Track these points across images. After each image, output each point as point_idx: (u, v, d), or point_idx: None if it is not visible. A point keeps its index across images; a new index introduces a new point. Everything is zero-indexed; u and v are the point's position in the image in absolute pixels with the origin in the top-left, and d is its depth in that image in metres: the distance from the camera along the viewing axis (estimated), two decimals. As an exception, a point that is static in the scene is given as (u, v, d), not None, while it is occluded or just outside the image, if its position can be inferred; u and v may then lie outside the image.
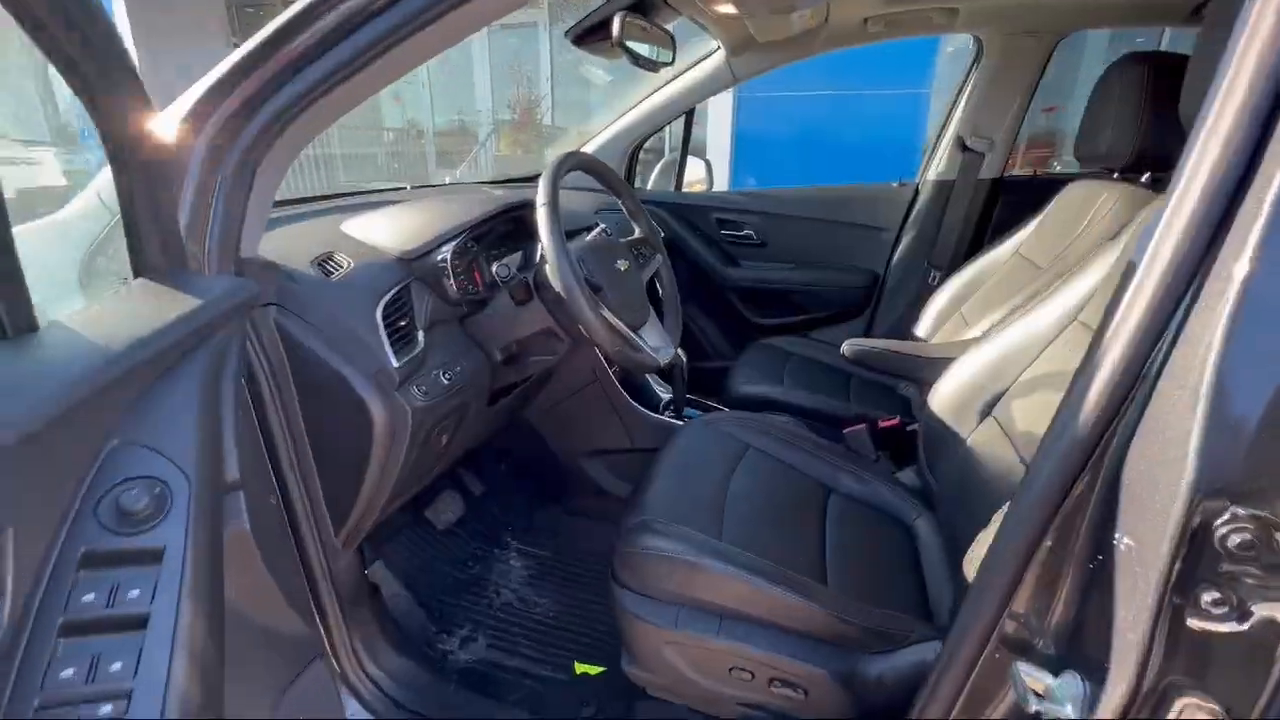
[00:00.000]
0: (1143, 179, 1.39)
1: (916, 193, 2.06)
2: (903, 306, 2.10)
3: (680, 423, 1.54)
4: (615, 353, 0.97)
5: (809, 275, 2.18)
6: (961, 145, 1.89)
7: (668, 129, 2.22)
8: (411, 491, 1.15)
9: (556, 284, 0.94)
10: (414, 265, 1.03)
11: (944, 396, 1.20)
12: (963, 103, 1.90)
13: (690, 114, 2.12)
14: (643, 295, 1.14)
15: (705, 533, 0.98)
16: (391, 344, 0.93)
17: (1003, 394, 1.10)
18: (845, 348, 1.41)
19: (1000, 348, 1.14)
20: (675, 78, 1.98)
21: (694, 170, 2.38)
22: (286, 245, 0.98)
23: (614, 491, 1.60)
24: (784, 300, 2.23)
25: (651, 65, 1.37)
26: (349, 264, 0.97)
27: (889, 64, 6.72)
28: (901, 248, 2.07)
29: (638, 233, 1.25)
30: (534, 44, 8.65)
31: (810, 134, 7.18)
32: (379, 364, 0.90)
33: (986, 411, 1.12)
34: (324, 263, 0.95)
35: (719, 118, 7.53)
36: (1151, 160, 1.33)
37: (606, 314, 1.01)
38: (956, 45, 7.06)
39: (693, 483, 1.10)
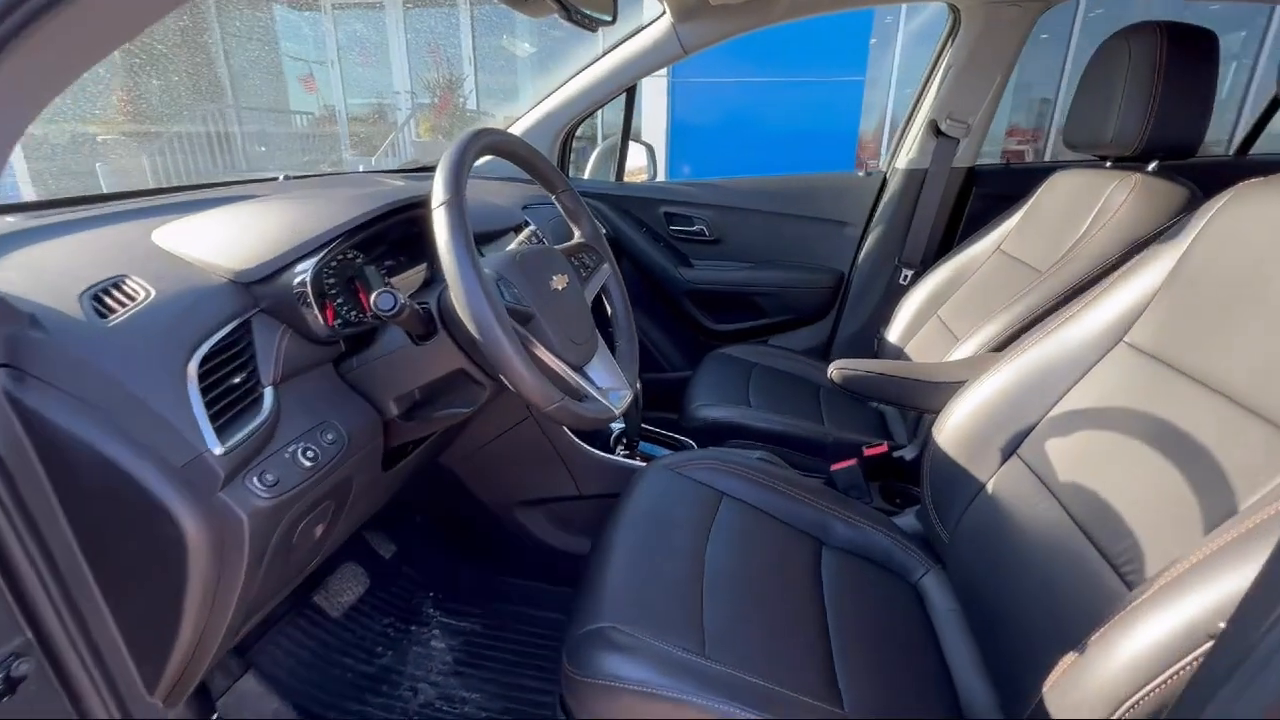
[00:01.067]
0: (1150, 167, 1.23)
1: (884, 183, 1.86)
2: (871, 308, 1.91)
3: (637, 462, 1.28)
4: (555, 410, 0.69)
5: (769, 276, 1.96)
6: (935, 130, 1.70)
7: (599, 114, 1.94)
8: (280, 597, 0.84)
9: (465, 316, 0.65)
10: (257, 291, 0.72)
11: (955, 430, 0.99)
12: (935, 83, 1.71)
13: (632, 92, 1.85)
14: (588, 320, 0.87)
15: (684, 642, 0.73)
16: (214, 414, 0.62)
17: (1032, 429, 0.90)
18: (833, 372, 1.19)
19: (1023, 372, 0.93)
20: (614, 48, 1.70)
21: (634, 157, 2.11)
22: (45, 270, 0.64)
23: (560, 546, 1.32)
24: (742, 304, 2.00)
25: (588, 23, 1.09)
26: (147, 295, 0.64)
27: (822, 51, 6.67)
28: (868, 244, 1.88)
29: (578, 236, 0.98)
30: (454, 23, 8.10)
31: (746, 121, 7.06)
32: (189, 450, 0.59)
33: (1011, 449, 0.92)
34: (103, 296, 0.62)
35: (653, 105, 7.30)
36: (1164, 147, 1.17)
37: (541, 353, 0.74)
38: (880, 35, 7.07)
39: (660, 556, 0.85)
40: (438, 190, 0.68)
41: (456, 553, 1.41)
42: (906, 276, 1.83)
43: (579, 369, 0.79)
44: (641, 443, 1.34)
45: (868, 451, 1.34)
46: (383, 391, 0.80)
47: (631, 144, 2.05)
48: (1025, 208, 1.47)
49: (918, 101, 1.77)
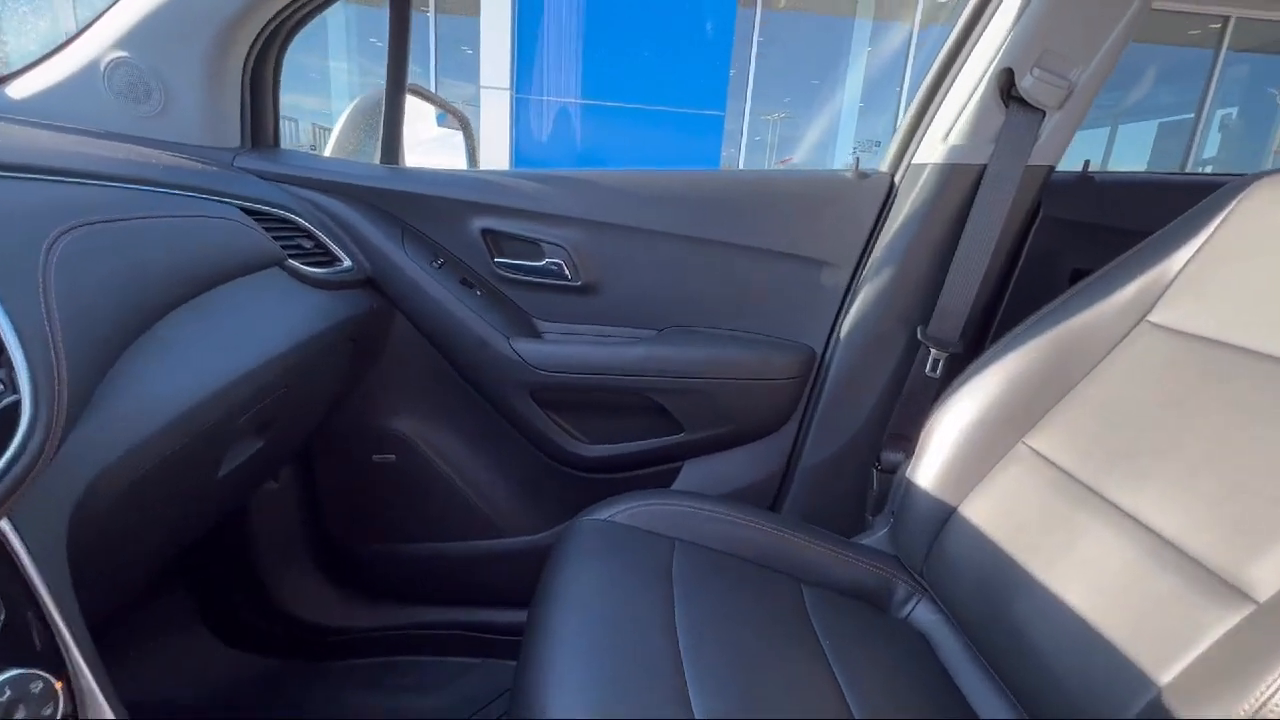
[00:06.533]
0: None
1: (892, 192, 1.03)
2: (864, 416, 1.04)
3: None
4: None
5: (683, 355, 1.03)
6: (1007, 89, 0.89)
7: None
8: None
9: None
10: None
11: None
12: (996, 10, 0.91)
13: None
14: None
15: None
16: None
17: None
18: None
19: None
20: None
21: (426, 129, 1.11)
22: None
23: None
24: (633, 408, 1.05)
25: None
26: None
27: (681, 83, 6.35)
28: (862, 300, 1.02)
29: None
30: None
31: (603, 149, 6.45)
32: None
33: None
34: None
35: (494, 126, 6.41)
36: None
37: None
38: (738, 67, 6.83)
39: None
40: None
41: None
42: (937, 363, 0.99)
43: None
44: None
45: None
46: None
47: (413, 97, 1.04)
48: (1197, 246, 0.68)
49: (961, 43, 0.96)
